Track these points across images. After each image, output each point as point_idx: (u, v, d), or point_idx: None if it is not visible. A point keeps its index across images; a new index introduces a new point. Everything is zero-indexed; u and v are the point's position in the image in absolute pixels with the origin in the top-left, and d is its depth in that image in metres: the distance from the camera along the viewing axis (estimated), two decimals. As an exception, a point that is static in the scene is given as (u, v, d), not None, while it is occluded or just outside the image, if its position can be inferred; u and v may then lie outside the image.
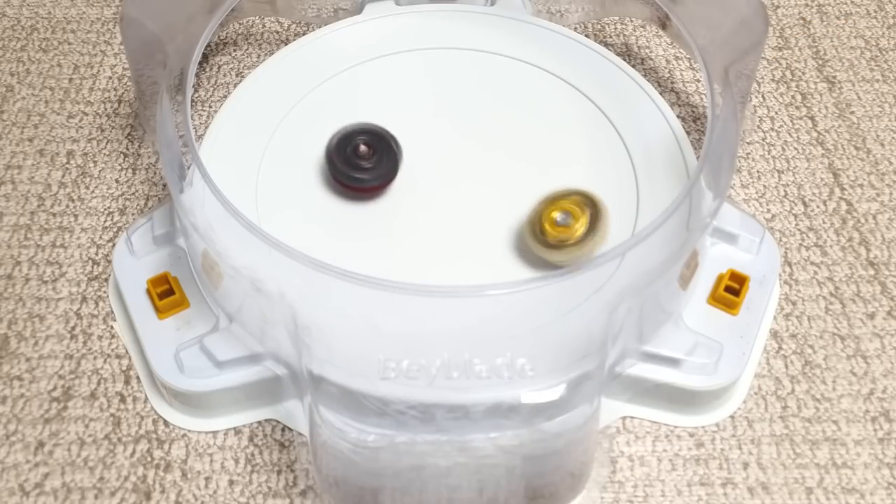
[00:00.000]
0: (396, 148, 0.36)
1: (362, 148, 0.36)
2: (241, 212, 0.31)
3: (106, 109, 0.45)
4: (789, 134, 0.44)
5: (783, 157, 0.43)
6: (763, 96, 0.45)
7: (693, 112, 0.44)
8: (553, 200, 0.34)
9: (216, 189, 0.32)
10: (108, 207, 0.40)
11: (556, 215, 0.33)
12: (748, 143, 0.43)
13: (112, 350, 0.36)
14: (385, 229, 0.36)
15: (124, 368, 0.35)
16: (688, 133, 0.39)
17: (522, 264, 0.35)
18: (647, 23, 0.49)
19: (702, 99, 0.45)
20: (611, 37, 0.48)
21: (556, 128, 0.40)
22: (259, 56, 0.47)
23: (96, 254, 0.39)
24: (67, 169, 0.42)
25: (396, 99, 0.41)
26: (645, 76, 0.41)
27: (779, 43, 0.48)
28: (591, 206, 0.33)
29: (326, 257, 0.30)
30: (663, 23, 0.46)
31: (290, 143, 0.39)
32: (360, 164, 0.36)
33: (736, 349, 0.34)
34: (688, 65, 0.47)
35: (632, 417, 0.34)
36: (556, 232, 0.33)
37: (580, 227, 0.33)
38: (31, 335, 0.36)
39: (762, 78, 0.46)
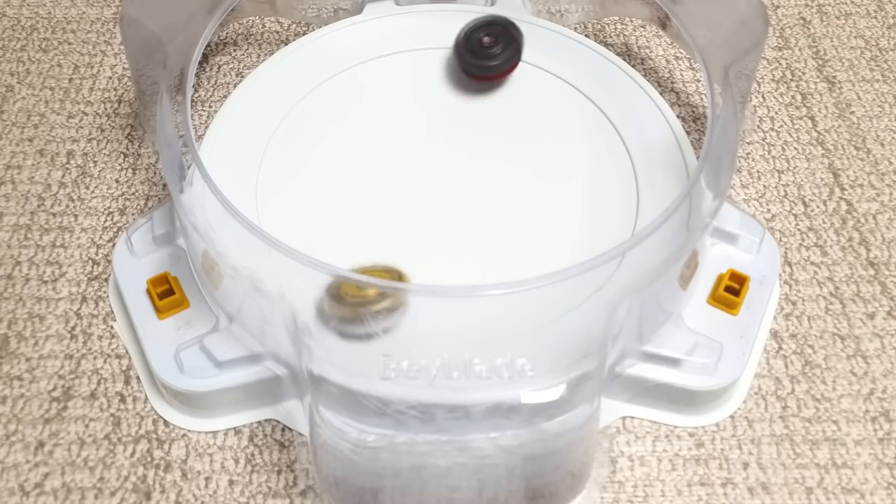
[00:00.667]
0: (518, 35, 0.40)
1: (486, 39, 0.40)
2: (241, 212, 0.31)
3: (106, 109, 0.45)
4: (789, 134, 0.44)
5: (783, 157, 0.43)
6: (763, 96, 0.45)
7: (693, 112, 0.44)
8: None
9: (216, 189, 0.32)
10: (108, 207, 0.40)
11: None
12: (748, 143, 0.43)
13: (112, 350, 0.36)
14: (385, 229, 0.36)
15: (124, 368, 0.35)
16: (688, 133, 0.39)
17: (522, 264, 0.35)
18: (647, 23, 0.49)
19: (702, 99, 0.45)
20: (611, 37, 0.48)
21: (556, 128, 0.40)
22: (259, 56, 0.47)
23: (96, 254, 0.39)
24: (67, 169, 0.42)
25: (396, 99, 0.41)
26: (645, 76, 0.41)
27: (779, 43, 0.48)
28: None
29: (326, 257, 0.30)
30: (663, 23, 0.46)
31: (290, 143, 0.39)
32: (487, 52, 0.40)
33: (736, 349, 0.34)
34: (688, 65, 0.47)
35: (632, 417, 0.34)
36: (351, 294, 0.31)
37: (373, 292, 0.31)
38: (31, 335, 0.36)
39: (762, 78, 0.46)
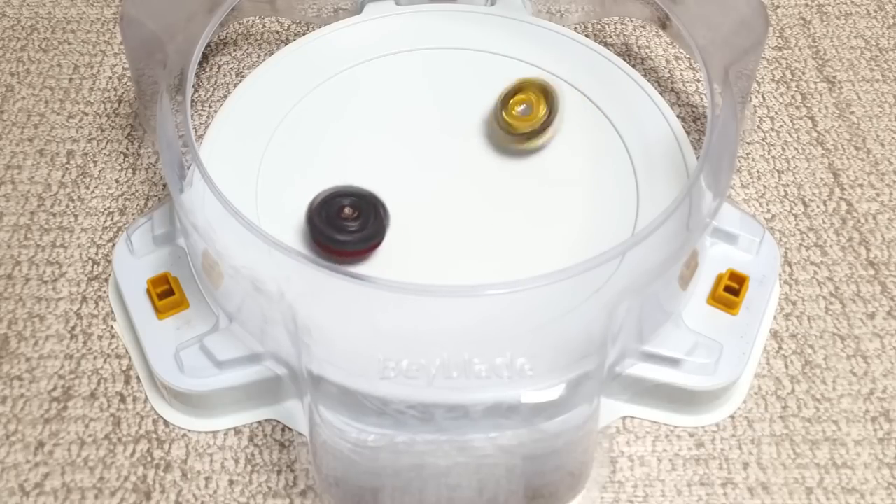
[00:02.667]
0: (383, 211, 0.34)
1: (346, 210, 0.34)
2: (241, 212, 0.31)
3: (106, 109, 0.45)
4: (789, 134, 0.44)
5: (783, 157, 0.43)
6: (763, 96, 0.45)
7: (693, 112, 0.44)
8: (510, 94, 0.37)
9: (216, 189, 0.32)
10: (108, 207, 0.40)
11: (518, 109, 0.37)
12: (748, 143, 0.43)
13: (112, 350, 0.36)
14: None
15: (124, 368, 0.35)
16: (688, 133, 0.39)
17: (522, 264, 0.35)
18: (647, 23, 0.49)
19: (702, 99, 0.45)
20: (611, 37, 0.48)
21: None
22: (259, 56, 0.47)
23: (96, 254, 0.39)
24: (67, 169, 0.42)
25: (396, 99, 0.41)
26: (645, 76, 0.41)
27: (779, 43, 0.48)
28: (546, 93, 0.37)
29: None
30: (663, 23, 0.46)
31: (290, 143, 0.39)
32: (345, 225, 0.34)
33: (736, 349, 0.34)
34: (688, 65, 0.47)
35: (632, 417, 0.34)
36: (519, 123, 0.37)
37: (541, 113, 0.37)
38: (31, 335, 0.36)
39: (762, 78, 0.46)
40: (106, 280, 0.38)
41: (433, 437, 0.29)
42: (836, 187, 0.41)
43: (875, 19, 0.50)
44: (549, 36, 0.43)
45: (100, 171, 0.42)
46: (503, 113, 0.37)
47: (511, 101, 0.37)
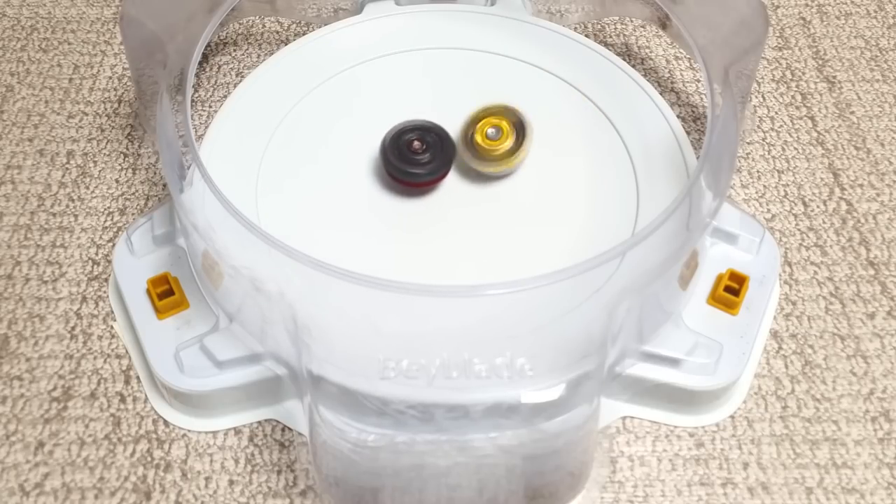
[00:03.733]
0: (450, 142, 0.37)
1: (416, 143, 0.37)
2: (241, 212, 0.31)
3: (106, 109, 0.45)
4: (789, 134, 0.44)
5: (783, 157, 0.43)
6: (763, 96, 0.45)
7: (693, 112, 0.44)
8: (482, 116, 0.37)
9: (216, 189, 0.32)
10: (108, 207, 0.40)
11: (488, 130, 0.37)
12: (748, 143, 0.43)
13: (112, 350, 0.36)
14: (385, 229, 0.36)
15: (124, 368, 0.35)
16: (688, 133, 0.39)
17: (522, 264, 0.35)
18: (647, 23, 0.49)
19: (702, 99, 0.45)
20: (611, 37, 0.48)
21: (556, 128, 0.40)
22: (259, 56, 0.47)
23: (96, 254, 0.39)
24: (67, 169, 0.42)
25: (396, 99, 0.41)
26: (645, 76, 0.41)
27: (779, 43, 0.48)
28: (517, 123, 0.37)
29: (326, 257, 0.30)
30: (663, 23, 0.46)
31: (290, 143, 0.39)
32: (415, 159, 0.36)
33: (736, 349, 0.34)
34: (688, 65, 0.47)
35: (632, 417, 0.34)
36: (486, 145, 0.37)
37: (507, 142, 0.37)
38: (31, 335, 0.36)
39: (762, 78, 0.46)
40: (106, 280, 0.38)
41: (433, 437, 0.29)
42: (836, 187, 0.41)
43: (875, 19, 0.50)
44: (549, 36, 0.43)
45: (100, 171, 0.42)
46: (475, 136, 0.37)
47: (479, 124, 0.37)
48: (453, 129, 0.40)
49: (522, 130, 0.37)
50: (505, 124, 0.37)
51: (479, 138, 0.37)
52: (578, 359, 0.30)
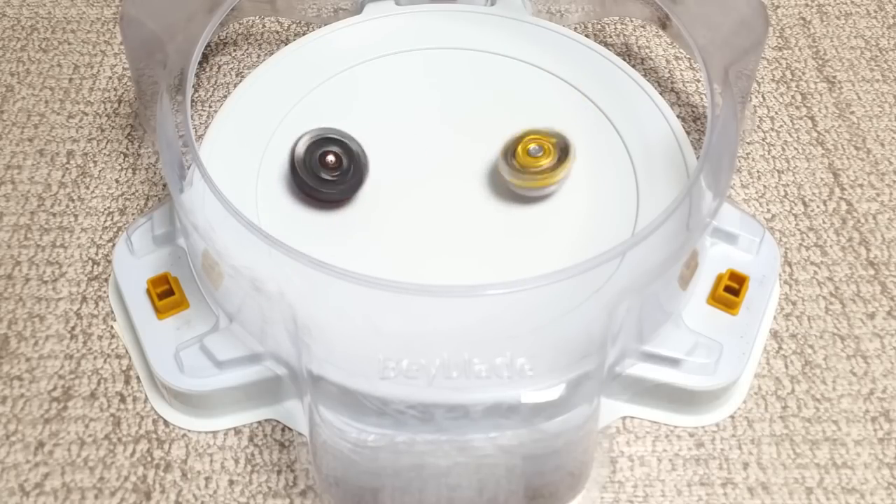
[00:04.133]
0: (364, 159, 0.36)
1: (330, 158, 0.36)
2: (241, 212, 0.31)
3: (106, 109, 0.45)
4: (789, 134, 0.44)
5: (783, 157, 0.43)
6: (763, 96, 0.45)
7: (693, 112, 0.44)
8: (532, 135, 0.37)
9: (216, 189, 0.32)
10: (108, 207, 0.40)
11: (531, 146, 0.36)
12: (748, 143, 0.43)
13: (112, 350, 0.36)
14: (385, 229, 0.36)
15: (124, 368, 0.35)
16: (688, 133, 0.39)
17: (522, 264, 0.35)
18: (647, 23, 0.49)
19: (702, 99, 0.45)
20: (611, 37, 0.48)
21: (556, 128, 0.40)
22: (259, 56, 0.47)
23: (96, 254, 0.39)
24: (67, 169, 0.42)
25: (396, 99, 0.41)
26: (645, 76, 0.41)
27: (779, 43, 0.48)
28: (563, 149, 0.36)
29: (326, 257, 0.30)
30: (663, 23, 0.46)
31: (291, 143, 0.39)
32: (326, 175, 0.35)
33: (736, 349, 0.34)
34: (688, 65, 0.47)
35: (632, 417, 0.34)
36: (525, 160, 0.36)
37: (546, 161, 0.36)
38: (31, 335, 0.36)
39: (762, 78, 0.46)
40: (106, 280, 0.38)
41: (433, 437, 0.29)
42: (836, 187, 0.41)
43: (875, 19, 0.50)
44: (549, 36, 0.43)
45: (100, 171, 0.42)
46: (517, 143, 0.36)
47: (524, 140, 0.36)
48: (453, 128, 0.40)
49: (566, 152, 0.36)
50: (548, 146, 0.36)
51: (520, 151, 0.36)
52: (578, 359, 0.30)
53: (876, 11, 0.50)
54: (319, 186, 0.36)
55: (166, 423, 0.34)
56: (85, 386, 0.35)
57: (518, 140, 0.36)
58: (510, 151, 0.36)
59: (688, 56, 0.47)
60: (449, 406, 0.29)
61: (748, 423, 0.34)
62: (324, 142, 0.36)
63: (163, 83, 0.35)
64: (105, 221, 0.40)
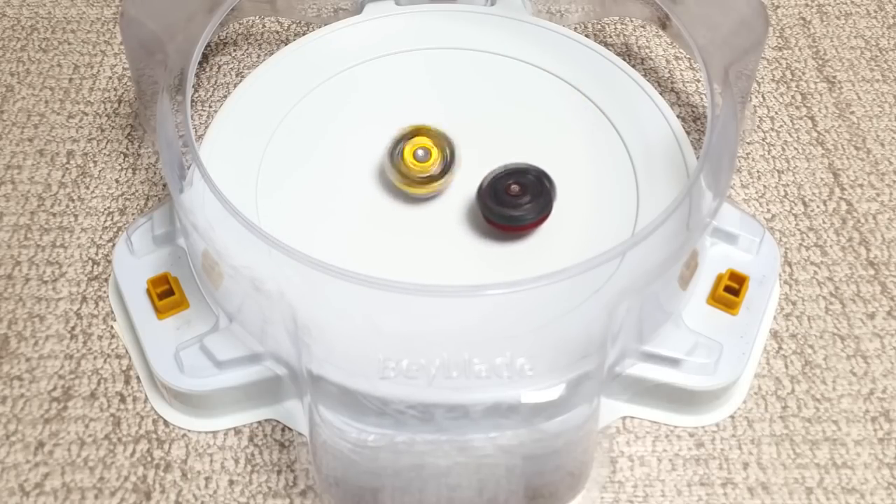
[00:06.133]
0: (550, 185, 0.36)
1: (514, 187, 0.35)
2: (241, 212, 0.31)
3: (106, 109, 0.45)
4: (789, 134, 0.44)
5: (783, 157, 0.43)
6: (763, 96, 0.45)
7: (693, 112, 0.44)
8: (411, 137, 0.36)
9: (216, 189, 0.32)
10: (108, 207, 0.40)
11: (418, 151, 0.36)
12: (748, 143, 0.43)
13: (112, 350, 0.36)
14: (384, 228, 0.36)
15: (124, 368, 0.35)
16: (688, 133, 0.39)
17: (522, 264, 0.35)
18: (647, 23, 0.49)
19: (702, 99, 0.45)
20: (611, 37, 0.48)
21: (556, 128, 0.40)
22: (259, 56, 0.47)
23: (96, 254, 0.39)
24: (67, 169, 0.42)
25: (396, 99, 0.41)
26: (645, 76, 0.41)
27: (779, 43, 0.48)
28: (448, 147, 0.36)
29: (326, 257, 0.30)
30: (663, 23, 0.46)
31: (290, 143, 0.39)
32: (514, 202, 0.35)
33: (736, 349, 0.34)
34: (688, 65, 0.47)
35: (632, 417, 0.34)
36: (414, 167, 0.36)
37: (435, 164, 0.36)
38: (31, 335, 0.36)
39: (762, 78, 0.46)
40: (106, 280, 0.38)
41: (433, 437, 0.29)
42: (836, 187, 0.41)
43: (875, 19, 0.50)
44: (549, 36, 0.43)
45: (100, 171, 0.42)
46: (403, 152, 0.36)
47: (408, 144, 0.36)
48: (454, 129, 0.40)
49: (451, 158, 0.36)
50: (433, 148, 0.36)
51: (408, 160, 0.36)
52: (578, 359, 0.30)
53: (876, 11, 0.50)
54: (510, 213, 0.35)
55: (166, 423, 0.34)
56: (85, 386, 0.35)
57: (405, 138, 0.36)
58: (398, 151, 0.36)
59: (688, 56, 0.47)
60: (449, 406, 0.29)
61: (748, 423, 0.34)
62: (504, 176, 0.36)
63: (163, 83, 0.35)
64: (105, 221, 0.40)
